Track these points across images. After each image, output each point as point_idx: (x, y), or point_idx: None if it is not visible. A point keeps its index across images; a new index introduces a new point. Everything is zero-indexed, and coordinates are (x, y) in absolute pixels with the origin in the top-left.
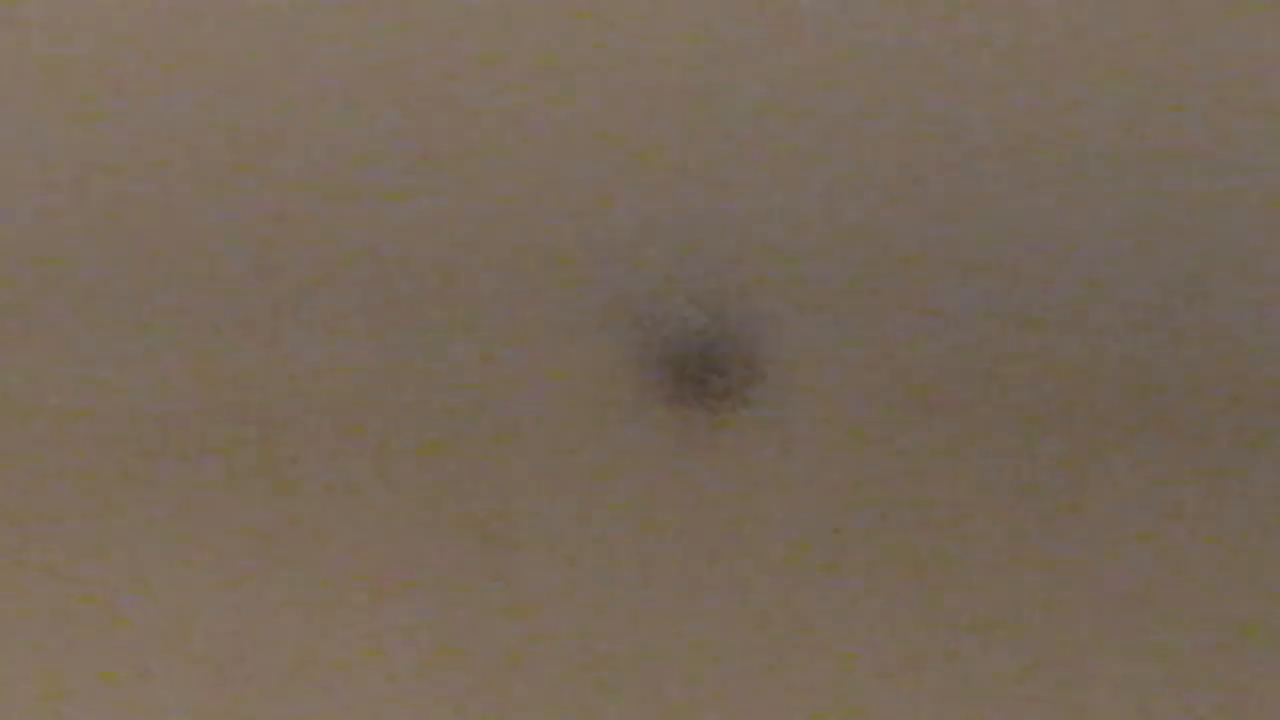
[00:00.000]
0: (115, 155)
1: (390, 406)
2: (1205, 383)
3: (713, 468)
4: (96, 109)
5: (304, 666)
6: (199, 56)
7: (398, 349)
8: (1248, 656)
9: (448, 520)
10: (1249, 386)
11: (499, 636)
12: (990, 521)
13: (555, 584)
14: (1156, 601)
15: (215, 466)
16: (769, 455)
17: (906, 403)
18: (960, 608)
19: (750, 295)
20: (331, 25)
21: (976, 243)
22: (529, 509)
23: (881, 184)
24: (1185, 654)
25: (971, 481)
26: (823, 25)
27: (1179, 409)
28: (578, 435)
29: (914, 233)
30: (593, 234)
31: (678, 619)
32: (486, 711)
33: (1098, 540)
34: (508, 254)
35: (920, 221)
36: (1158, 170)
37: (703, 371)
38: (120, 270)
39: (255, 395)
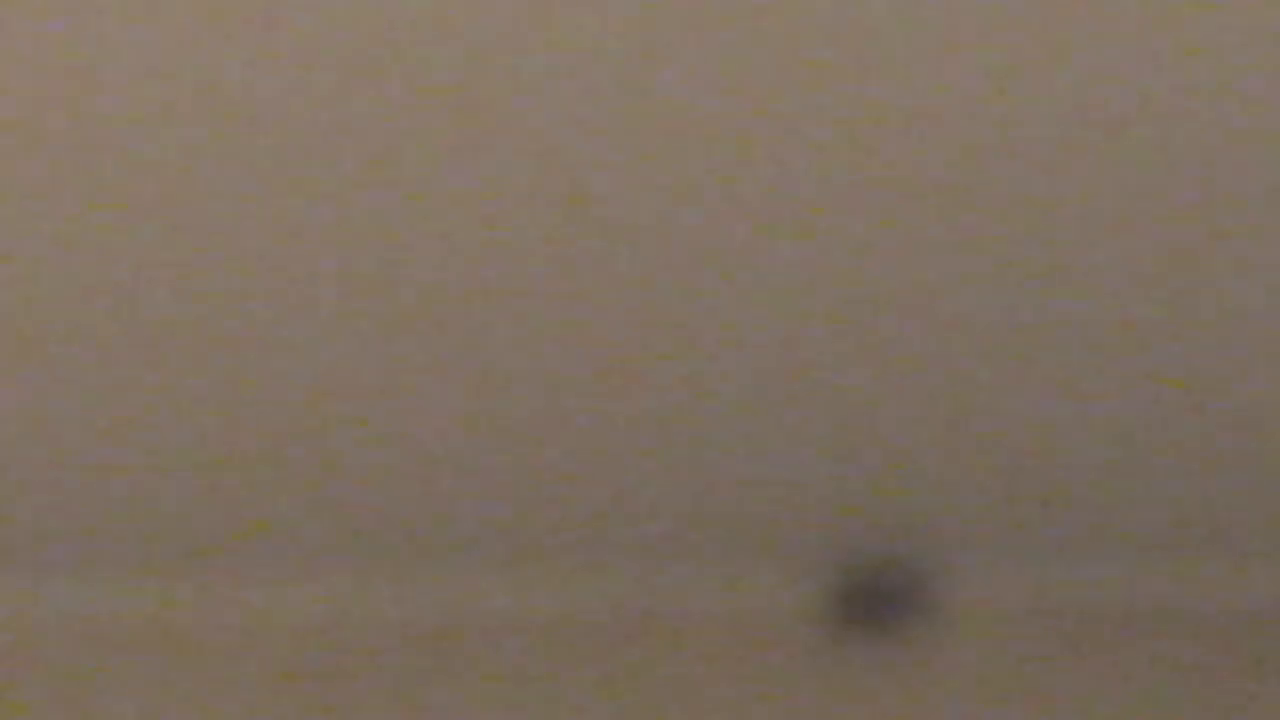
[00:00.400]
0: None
1: (563, 628)
2: None
3: (875, 698)
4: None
5: None
6: None
7: (571, 576)
8: None
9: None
10: None
11: None
12: None
13: None
14: None
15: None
16: (930, 687)
17: (1068, 636)
18: None
19: (919, 528)
20: None
21: (1145, 473)
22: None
23: (1045, 418)
24: None
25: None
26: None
27: None
28: (748, 662)
29: (1080, 463)
30: (774, 472)
31: None
32: None
33: None
34: (699, 488)
35: (1086, 452)
36: None
37: (871, 605)
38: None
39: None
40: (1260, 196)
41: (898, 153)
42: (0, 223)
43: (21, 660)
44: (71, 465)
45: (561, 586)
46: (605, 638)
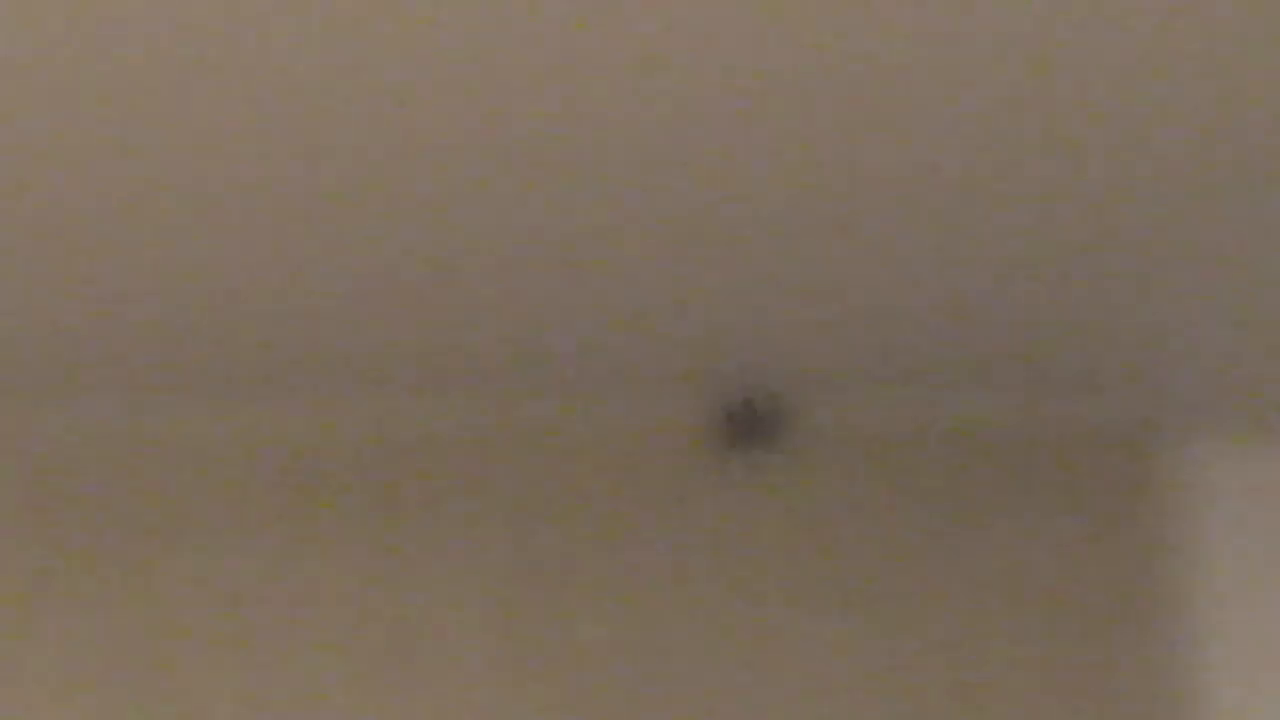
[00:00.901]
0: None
1: (477, 448)
2: None
3: (747, 499)
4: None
5: (409, 641)
6: None
7: (484, 403)
8: None
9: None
10: None
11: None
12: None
13: (602, 583)
14: None
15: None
16: (793, 490)
17: (894, 455)
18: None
19: (787, 363)
20: None
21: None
22: (589, 529)
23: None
24: None
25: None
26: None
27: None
28: (645, 471)
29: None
30: (666, 315)
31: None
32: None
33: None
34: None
35: (927, 310)
36: None
37: (748, 424)
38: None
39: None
40: None
41: None
42: None
43: (55, 472)
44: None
45: (484, 411)
46: (520, 455)
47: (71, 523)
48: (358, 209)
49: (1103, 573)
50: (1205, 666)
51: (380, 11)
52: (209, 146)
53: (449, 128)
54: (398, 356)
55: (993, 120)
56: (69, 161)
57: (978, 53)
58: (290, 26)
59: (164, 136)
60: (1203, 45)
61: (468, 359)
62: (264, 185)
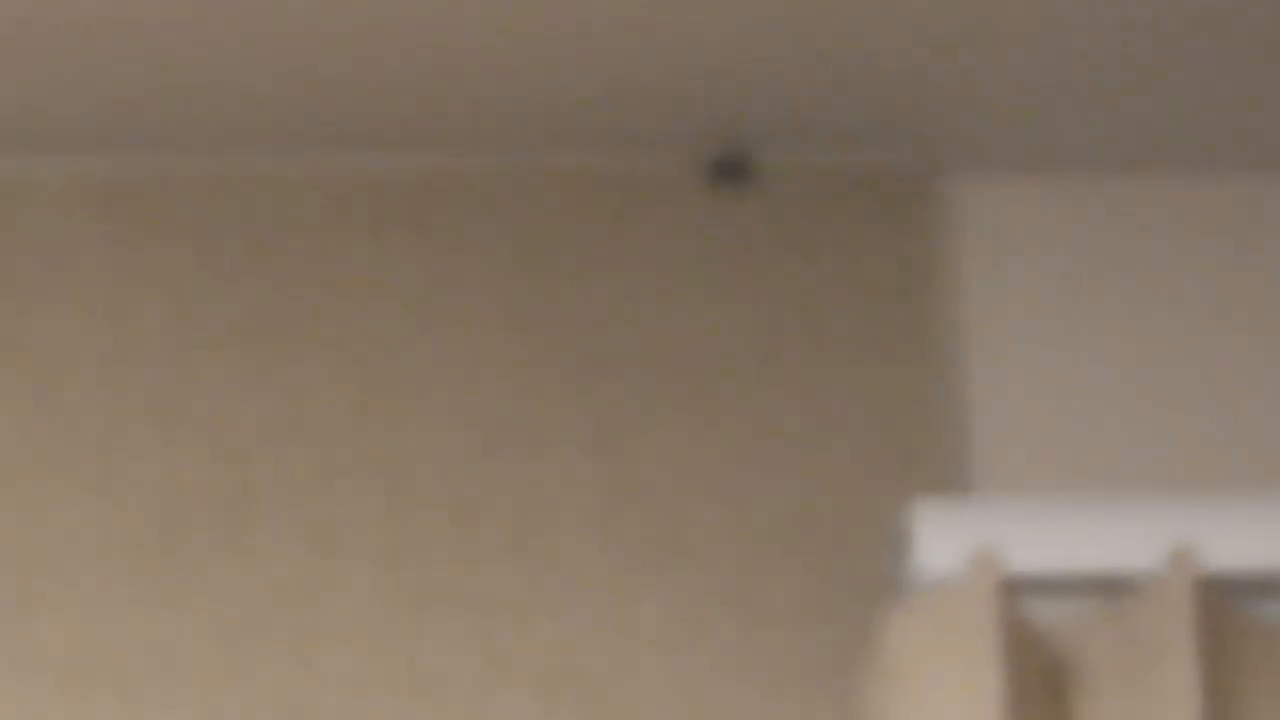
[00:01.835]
0: None
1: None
2: None
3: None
4: None
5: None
6: None
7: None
8: None
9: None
10: None
11: None
12: None
13: None
14: None
15: None
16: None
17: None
18: None
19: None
20: None
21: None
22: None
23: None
24: None
25: None
26: None
27: None
28: (639, 211)
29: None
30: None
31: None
32: None
33: None
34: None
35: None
36: None
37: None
38: None
39: None
40: None
41: None
42: None
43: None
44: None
45: (474, 155)
46: (518, 200)
47: None
48: None
49: (885, 301)
50: (971, 380)
51: None
52: None
53: None
54: (388, 107)
55: None
56: None
57: None
58: None
59: None
60: None
61: (467, 112)
62: None
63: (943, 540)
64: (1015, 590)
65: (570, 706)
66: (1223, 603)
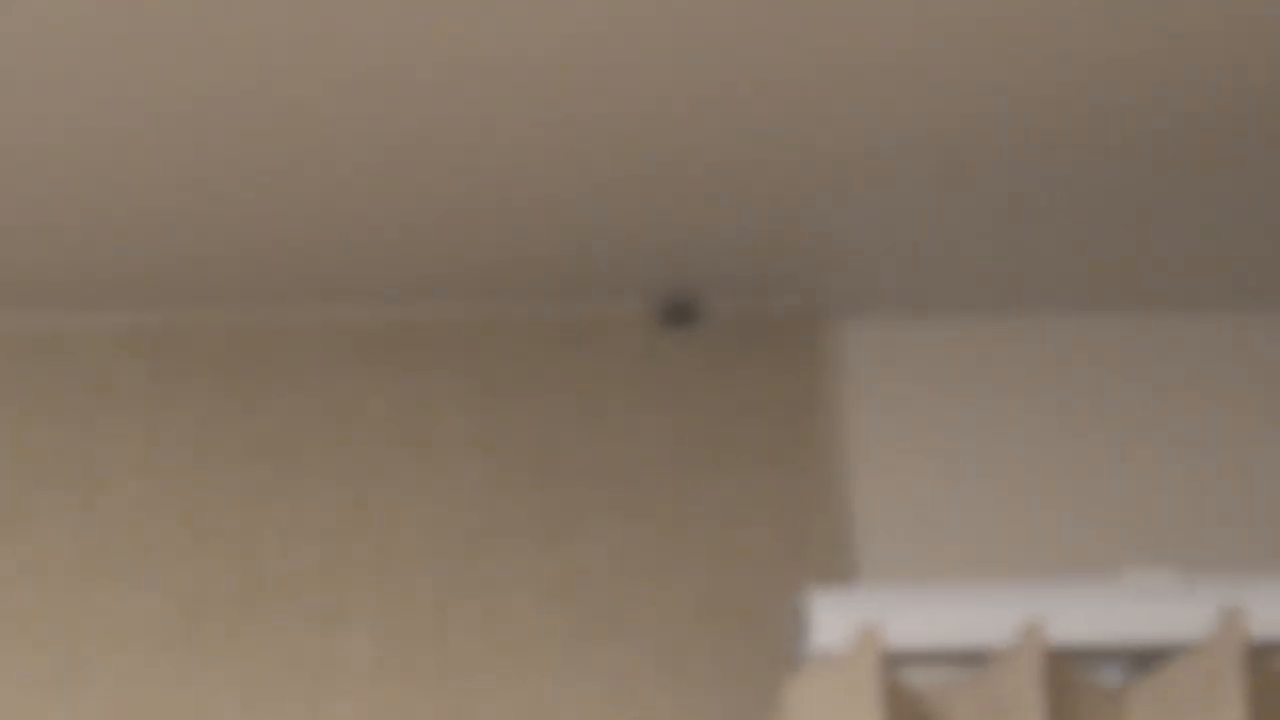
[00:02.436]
0: None
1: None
2: None
3: (678, 370)
4: None
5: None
6: None
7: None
8: None
9: None
10: None
11: None
12: None
13: None
14: None
15: None
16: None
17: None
18: None
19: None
20: None
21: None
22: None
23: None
24: None
25: None
26: None
27: None
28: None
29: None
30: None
31: None
32: None
33: None
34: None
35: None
36: None
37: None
38: None
39: None
40: None
41: None
42: None
43: None
44: None
45: (445, 305)
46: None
47: None
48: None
49: (786, 422)
50: (856, 486)
51: None
52: None
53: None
54: (373, 268)
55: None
56: None
57: None
58: None
59: None
60: None
61: (440, 269)
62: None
63: (833, 619)
64: (894, 661)
65: None
66: (1066, 668)
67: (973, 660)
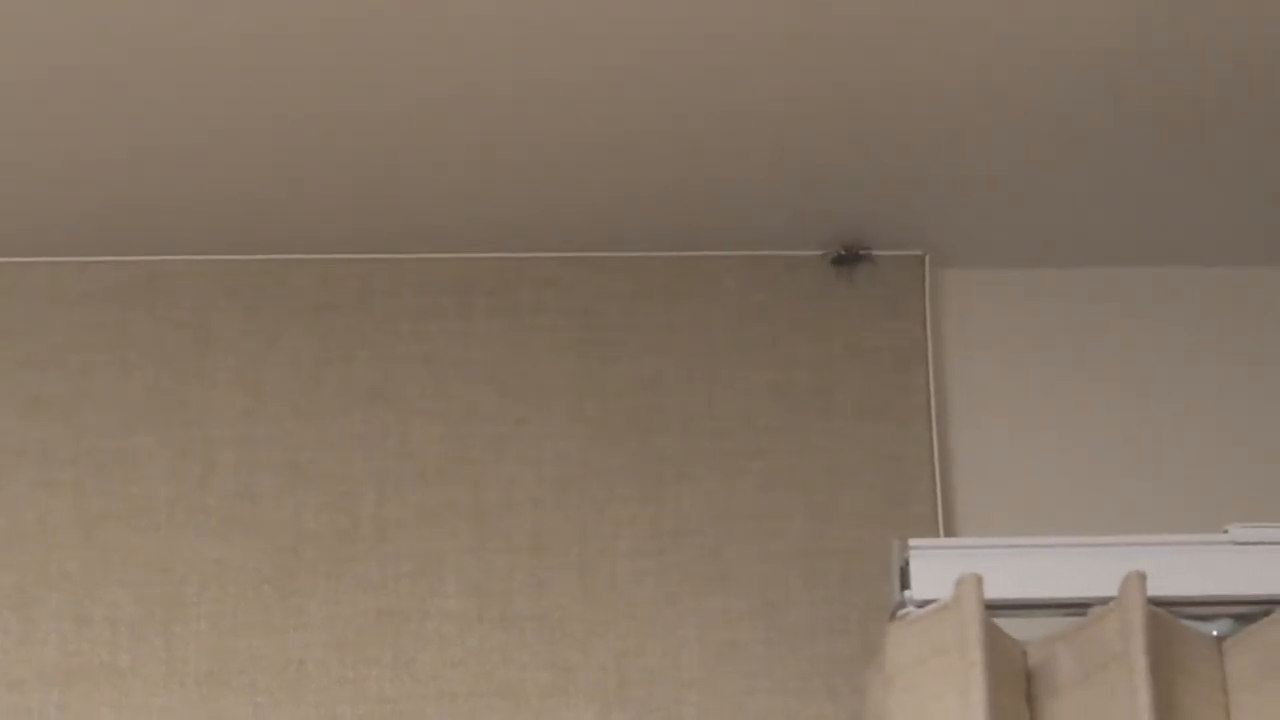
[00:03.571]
0: None
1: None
2: None
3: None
4: None
5: None
6: None
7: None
8: None
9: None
10: None
11: None
12: None
13: None
14: None
15: None
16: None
17: None
18: None
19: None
20: None
21: None
22: None
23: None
24: None
25: None
26: None
27: None
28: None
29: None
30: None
31: None
32: None
33: None
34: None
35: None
36: None
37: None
38: None
39: None
40: None
41: None
42: None
43: None
44: None
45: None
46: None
47: None
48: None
49: (880, 383)
50: (954, 439)
51: None
52: None
53: None
54: (476, 213)
55: None
56: None
57: None
58: None
59: None
60: None
61: (540, 215)
62: None
63: (932, 570)
64: (993, 610)
65: (624, 711)
66: (1168, 621)
67: (1073, 613)
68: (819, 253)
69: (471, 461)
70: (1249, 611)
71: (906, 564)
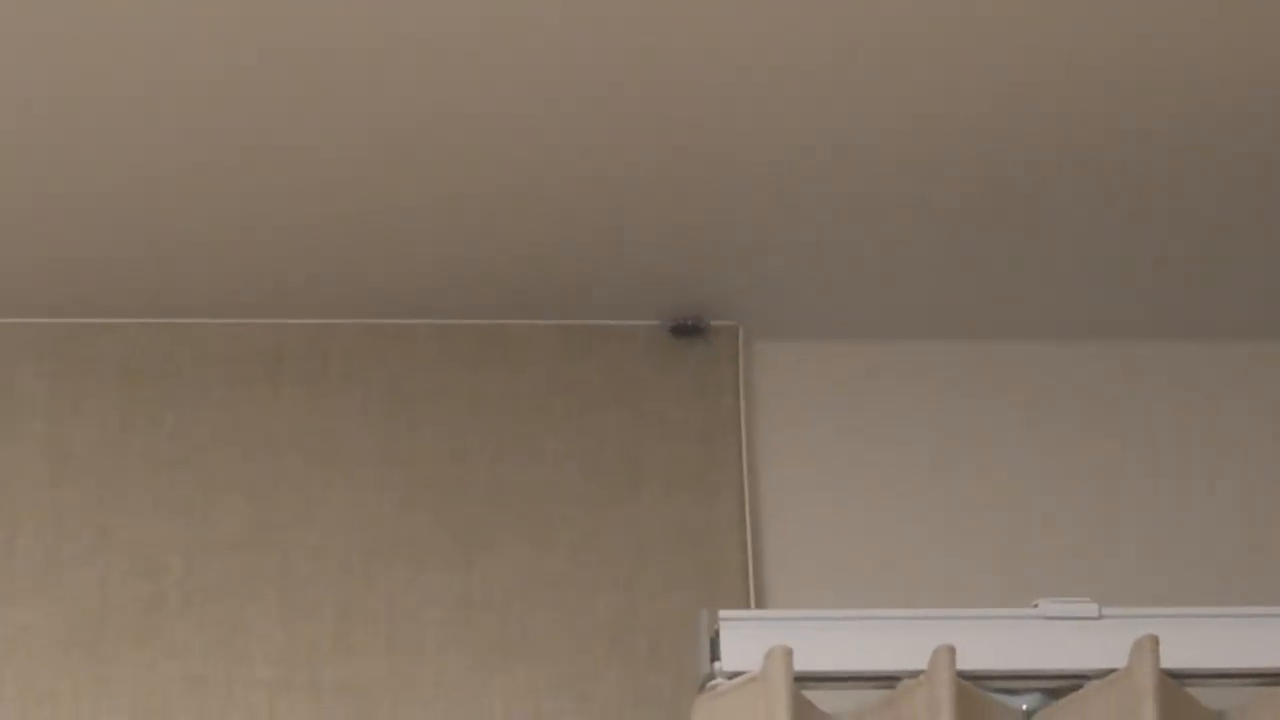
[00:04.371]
0: None
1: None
2: None
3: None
4: None
5: None
6: None
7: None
8: None
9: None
10: None
11: None
12: None
13: None
14: None
15: None
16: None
17: None
18: None
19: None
20: None
21: None
22: None
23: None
24: None
25: None
26: None
27: None
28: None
29: None
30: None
31: None
32: None
33: None
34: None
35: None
36: None
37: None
38: None
39: None
40: None
41: None
42: None
43: None
44: None
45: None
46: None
47: None
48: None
49: (690, 455)
50: (762, 513)
51: None
52: None
53: None
54: (282, 282)
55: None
56: None
57: None
58: None
59: None
60: None
61: (349, 284)
62: None
63: (742, 642)
64: (803, 684)
65: None
66: (977, 694)
67: (883, 686)
68: (631, 322)
69: (278, 529)
70: (1057, 685)
71: (716, 635)
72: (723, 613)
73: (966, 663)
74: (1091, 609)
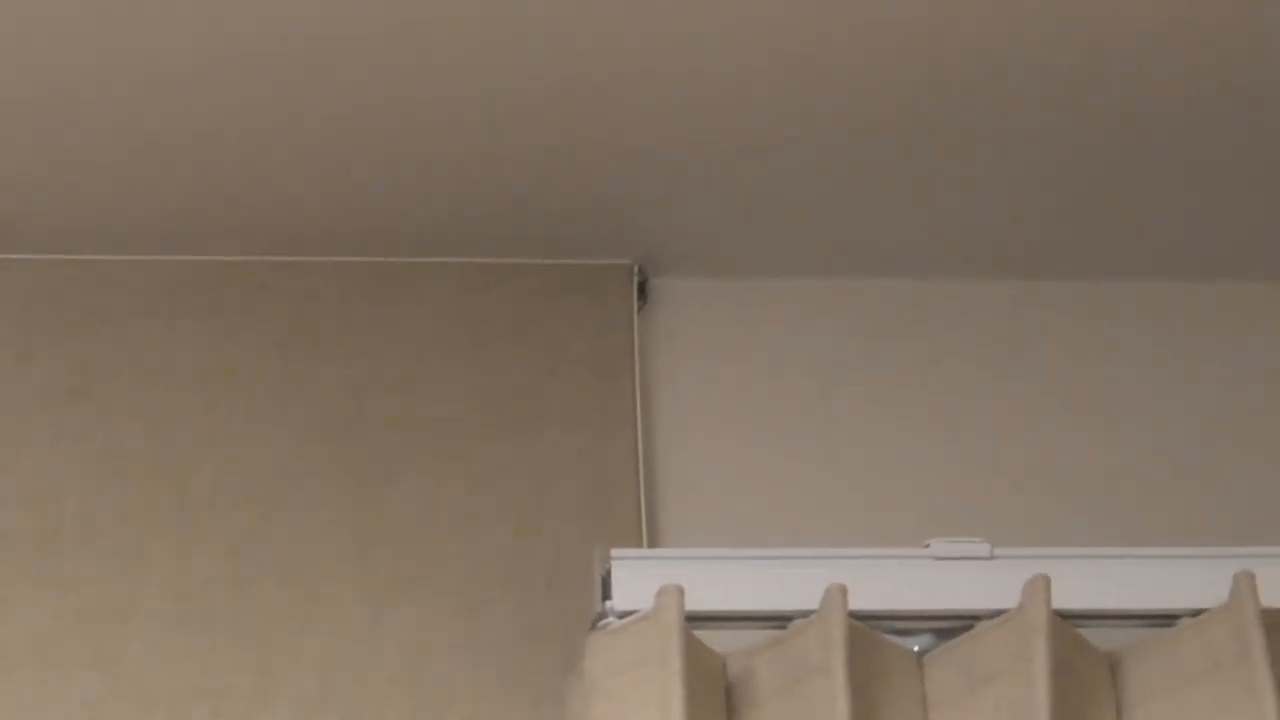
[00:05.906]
0: None
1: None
2: None
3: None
4: None
5: None
6: None
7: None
8: None
9: None
10: None
11: None
12: None
13: None
14: None
15: None
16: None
17: None
18: None
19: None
20: None
21: None
22: None
23: None
24: None
25: None
26: None
27: None
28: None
29: None
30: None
31: None
32: None
33: None
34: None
35: None
36: None
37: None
38: None
39: None
40: None
41: None
42: None
43: None
44: None
45: (254, 252)
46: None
47: None
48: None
49: (587, 390)
50: (656, 451)
51: None
52: None
53: None
54: (188, 213)
55: None
56: None
57: None
58: None
59: None
60: None
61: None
62: None
63: (633, 580)
64: (694, 623)
65: (325, 715)
66: (869, 634)
67: (775, 626)
68: (529, 260)
69: (175, 461)
70: (949, 626)
71: (608, 574)
72: (614, 551)
73: (859, 602)
74: (983, 549)
